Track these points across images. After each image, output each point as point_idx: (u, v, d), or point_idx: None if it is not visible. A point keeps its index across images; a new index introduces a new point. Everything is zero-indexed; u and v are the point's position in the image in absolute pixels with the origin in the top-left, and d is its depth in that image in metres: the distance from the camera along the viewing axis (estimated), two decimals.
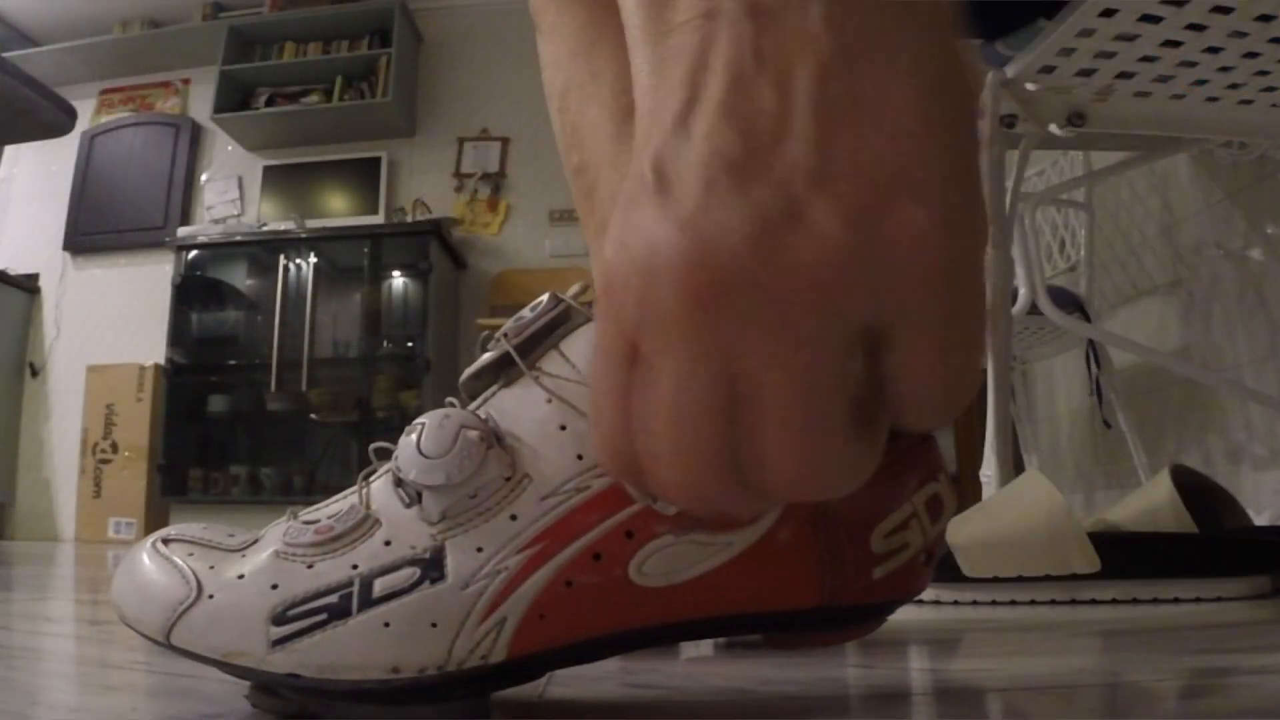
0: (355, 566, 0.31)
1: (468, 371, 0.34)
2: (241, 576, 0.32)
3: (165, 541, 0.34)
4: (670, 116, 0.21)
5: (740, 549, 0.31)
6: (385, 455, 0.34)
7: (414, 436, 0.32)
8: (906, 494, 0.33)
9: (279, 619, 0.31)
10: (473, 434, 0.31)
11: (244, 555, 0.33)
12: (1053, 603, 0.72)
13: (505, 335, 0.33)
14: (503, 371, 0.34)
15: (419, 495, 0.32)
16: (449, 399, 0.34)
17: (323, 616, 0.31)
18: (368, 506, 0.33)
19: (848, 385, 0.20)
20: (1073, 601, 0.72)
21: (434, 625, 0.30)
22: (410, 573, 0.31)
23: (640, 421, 0.22)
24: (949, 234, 0.19)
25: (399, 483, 0.32)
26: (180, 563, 0.33)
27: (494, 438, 0.32)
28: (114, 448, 3.48)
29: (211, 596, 0.31)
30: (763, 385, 0.20)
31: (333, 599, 0.31)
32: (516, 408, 0.33)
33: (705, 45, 0.21)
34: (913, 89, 0.19)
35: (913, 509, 0.33)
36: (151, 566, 0.33)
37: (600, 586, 0.31)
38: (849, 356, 0.20)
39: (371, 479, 0.34)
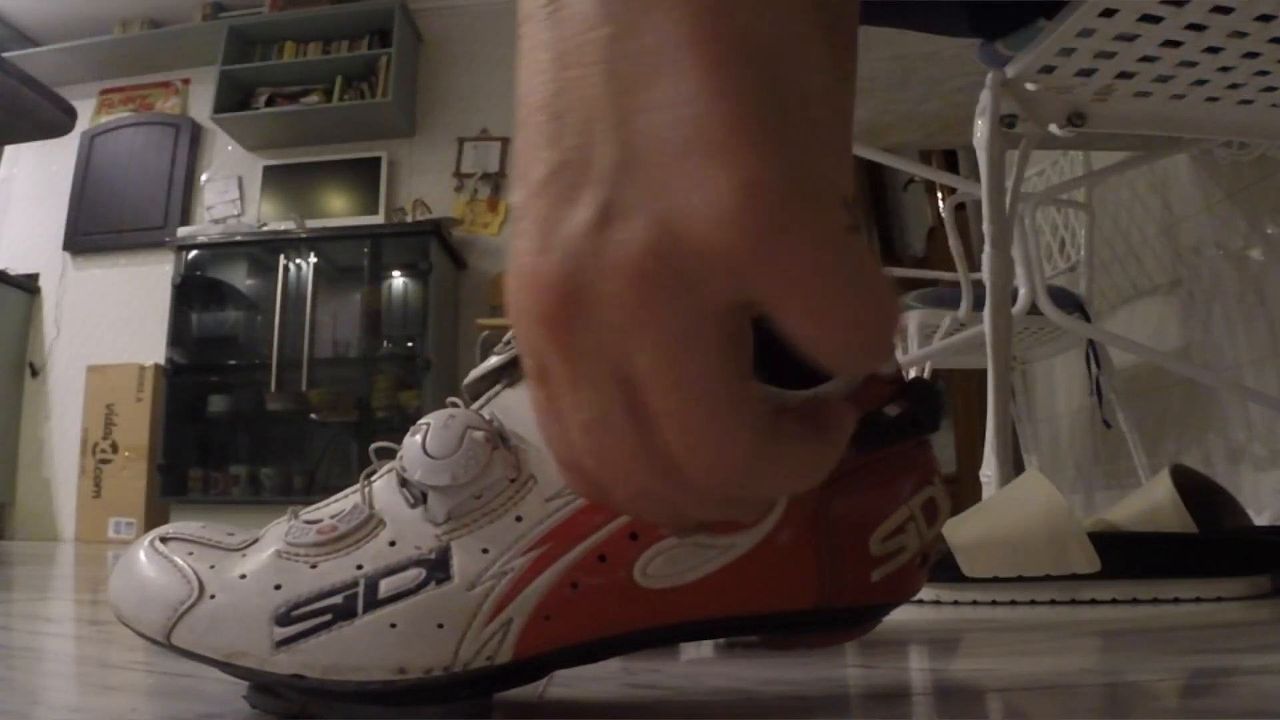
0: (360, 567, 0.31)
1: (474, 374, 0.34)
2: (243, 576, 0.32)
3: (164, 540, 0.34)
4: (516, 142, 0.21)
5: (742, 552, 0.31)
6: (386, 455, 0.34)
7: (419, 437, 0.32)
8: (903, 498, 0.33)
9: (283, 619, 0.30)
10: (478, 434, 0.32)
11: (244, 555, 0.33)
12: (1053, 603, 0.72)
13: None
14: (506, 372, 0.34)
15: (424, 496, 0.32)
16: (451, 399, 0.34)
17: (328, 617, 0.30)
18: (371, 506, 0.33)
19: (735, 367, 0.19)
20: (1073, 601, 0.72)
21: (440, 626, 0.30)
22: (416, 573, 0.31)
23: (574, 445, 0.22)
24: (761, 192, 0.17)
25: (404, 483, 0.32)
26: (180, 562, 0.32)
27: (499, 438, 0.32)
28: (114, 448, 3.48)
29: (213, 596, 0.31)
30: (646, 384, 0.19)
31: (337, 599, 0.31)
32: (520, 408, 0.33)
33: (523, 52, 0.21)
34: (700, 46, 0.18)
35: (909, 512, 0.33)
36: (150, 566, 0.33)
37: (605, 588, 0.31)
38: (721, 337, 0.19)
39: (374, 479, 0.34)
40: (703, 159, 0.18)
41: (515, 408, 0.33)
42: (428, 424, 0.32)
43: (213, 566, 0.32)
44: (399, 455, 0.33)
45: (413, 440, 0.32)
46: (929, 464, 0.34)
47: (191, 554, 0.33)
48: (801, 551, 0.32)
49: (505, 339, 0.34)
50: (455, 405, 0.34)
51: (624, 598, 0.31)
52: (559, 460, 0.23)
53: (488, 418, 0.33)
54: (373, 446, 0.35)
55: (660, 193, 0.18)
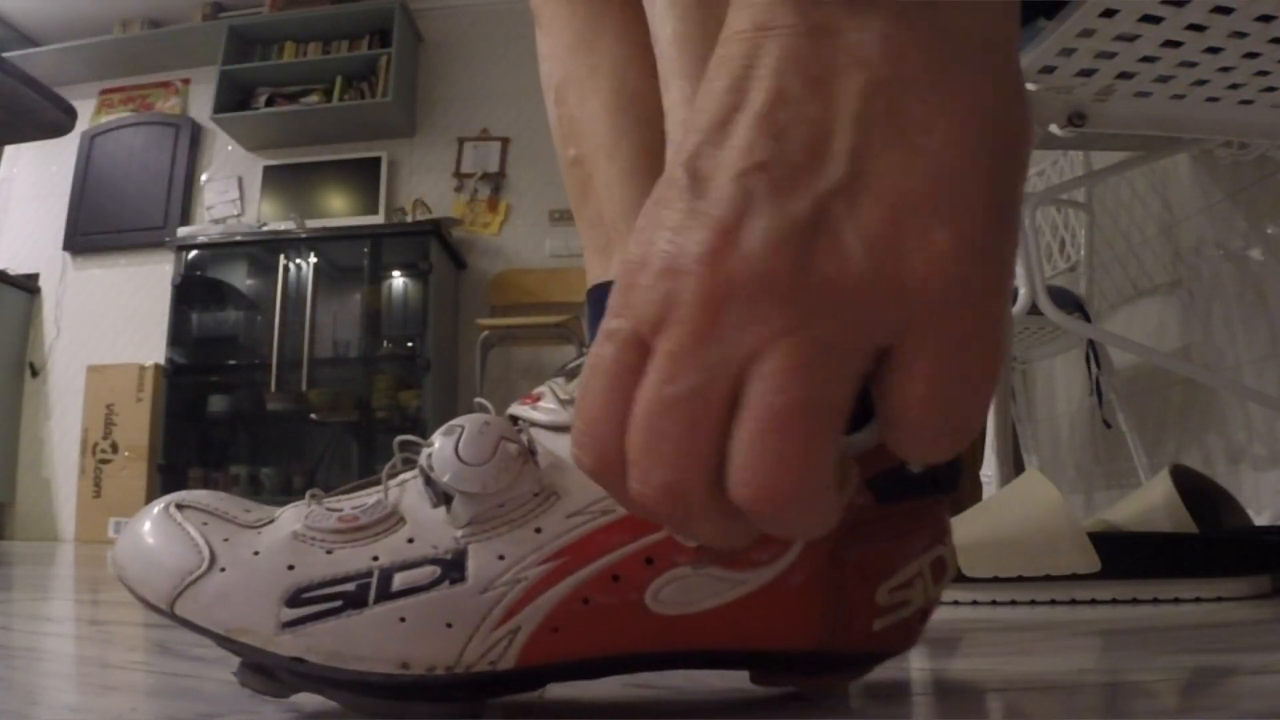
0: (376, 558, 0.31)
1: (530, 414, 0.34)
2: (257, 553, 0.31)
3: (180, 507, 0.33)
4: (710, 122, 0.21)
5: (753, 587, 0.31)
6: (408, 448, 0.34)
7: (452, 440, 0.32)
8: (915, 553, 0.34)
9: (293, 600, 0.30)
10: (512, 447, 0.32)
11: (259, 532, 0.32)
12: (1053, 603, 0.72)
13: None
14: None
15: (447, 497, 0.32)
16: (478, 400, 0.35)
17: (338, 603, 0.30)
18: (393, 503, 0.33)
19: (842, 408, 0.20)
20: (1073, 601, 0.72)
21: (449, 625, 0.30)
22: (431, 570, 0.31)
23: (636, 413, 0.21)
24: (971, 263, 0.19)
25: (428, 481, 0.32)
26: (194, 532, 0.32)
27: (529, 452, 0.32)
28: (114, 448, 3.48)
29: (223, 570, 0.31)
30: (764, 390, 0.20)
31: (350, 587, 0.31)
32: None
33: (755, 56, 0.21)
34: (959, 119, 0.20)
35: (919, 568, 0.34)
36: (163, 532, 0.32)
37: (615, 608, 0.31)
38: (850, 376, 0.20)
39: (399, 477, 0.34)
40: (934, 211, 0.19)
41: (542, 417, 0.33)
42: (462, 427, 0.32)
43: (226, 540, 0.32)
44: (425, 453, 0.33)
45: (445, 441, 0.32)
46: (942, 523, 0.35)
47: (206, 524, 0.32)
48: (811, 593, 0.32)
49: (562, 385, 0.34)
50: (486, 410, 0.34)
51: (632, 619, 0.31)
52: (587, 428, 0.23)
53: (519, 428, 0.33)
54: (398, 440, 0.35)
55: (878, 224, 0.19)
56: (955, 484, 0.35)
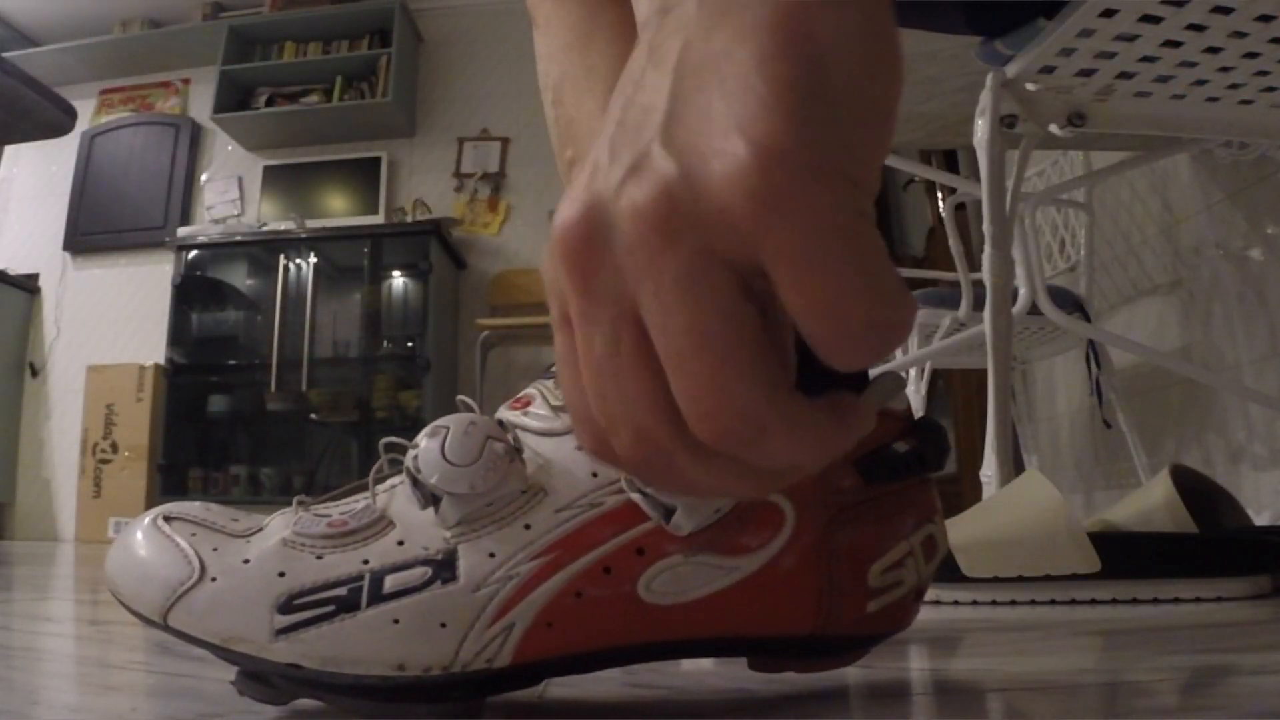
0: (366, 561, 0.31)
1: (520, 420, 0.34)
2: (247, 561, 0.32)
3: (167, 519, 0.33)
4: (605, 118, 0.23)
5: (745, 574, 0.31)
6: (394, 449, 0.34)
7: (438, 441, 0.32)
8: (905, 533, 0.34)
9: (284, 607, 0.30)
10: (499, 446, 0.32)
11: (249, 541, 0.33)
12: (1053, 603, 0.72)
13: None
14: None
15: (434, 498, 0.32)
16: (461, 398, 0.35)
17: (330, 608, 0.30)
18: (381, 508, 0.33)
19: (747, 322, 0.20)
20: (1073, 601, 0.72)
21: (443, 625, 0.30)
22: (422, 571, 0.31)
23: (585, 385, 0.22)
24: (775, 167, 0.19)
25: (415, 483, 0.32)
26: (182, 543, 0.32)
27: (515, 451, 0.32)
28: (114, 448, 3.48)
29: (214, 580, 0.31)
30: (652, 326, 0.21)
31: (342, 591, 0.31)
32: (538, 424, 0.33)
33: (634, 54, 0.23)
34: (761, 37, 0.20)
35: (910, 548, 0.34)
36: (152, 544, 0.32)
37: (609, 600, 0.31)
38: (730, 290, 0.20)
39: (387, 481, 0.34)
40: (732, 125, 0.19)
41: (534, 423, 0.33)
42: (447, 428, 0.32)
43: (215, 549, 0.32)
44: (411, 454, 0.33)
45: (431, 444, 0.32)
46: (931, 502, 0.35)
47: (194, 535, 0.33)
48: (803, 578, 0.32)
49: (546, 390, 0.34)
50: (470, 409, 0.34)
51: (626, 611, 0.31)
52: (571, 411, 0.23)
53: (505, 427, 0.33)
54: (383, 441, 0.35)
55: (687, 150, 0.20)
56: (942, 463, 0.35)
